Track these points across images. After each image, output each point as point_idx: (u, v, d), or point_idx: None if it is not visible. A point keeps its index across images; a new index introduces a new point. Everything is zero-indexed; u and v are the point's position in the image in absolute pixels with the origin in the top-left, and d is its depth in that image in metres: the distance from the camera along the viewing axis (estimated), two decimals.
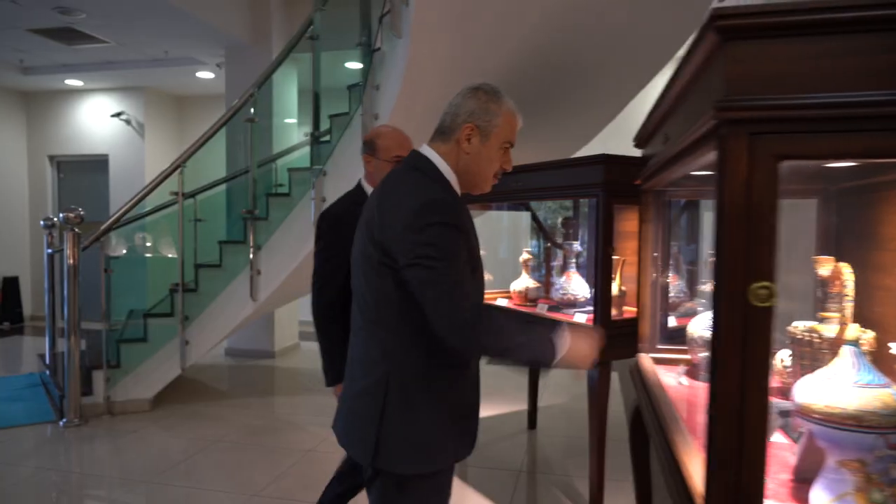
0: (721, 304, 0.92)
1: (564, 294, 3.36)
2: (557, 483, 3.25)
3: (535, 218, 4.21)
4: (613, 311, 2.79)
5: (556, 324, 1.41)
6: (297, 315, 6.57)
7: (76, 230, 4.04)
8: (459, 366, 1.47)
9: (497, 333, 1.35)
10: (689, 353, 2.03)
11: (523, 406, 4.25)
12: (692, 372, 2.03)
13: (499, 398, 4.66)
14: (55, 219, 5.24)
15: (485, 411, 3.92)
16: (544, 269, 3.87)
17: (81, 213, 4.07)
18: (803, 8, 0.85)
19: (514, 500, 3.03)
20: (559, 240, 3.76)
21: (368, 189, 2.15)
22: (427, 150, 1.51)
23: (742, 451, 0.91)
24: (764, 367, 0.91)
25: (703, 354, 1.94)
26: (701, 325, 1.95)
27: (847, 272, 1.37)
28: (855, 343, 1.07)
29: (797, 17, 0.86)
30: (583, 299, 3.22)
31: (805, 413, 1.05)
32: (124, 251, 4.93)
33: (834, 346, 1.39)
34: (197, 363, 5.40)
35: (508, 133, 1.50)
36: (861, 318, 1.78)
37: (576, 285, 3.31)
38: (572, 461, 3.52)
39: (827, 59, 0.86)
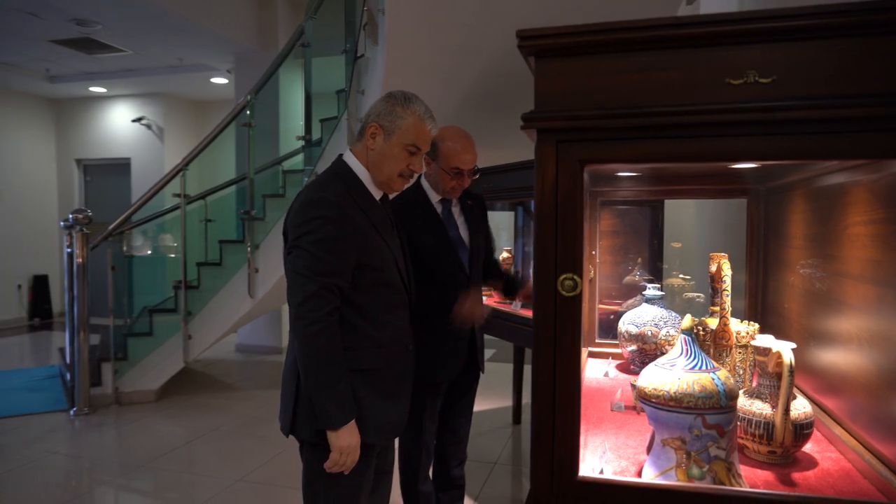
0: (537, 295, 1.02)
1: None
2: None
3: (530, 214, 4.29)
4: None
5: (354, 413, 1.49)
6: None
7: (85, 230, 4.29)
8: (367, 346, 1.56)
9: (324, 345, 1.43)
10: (619, 347, 2.11)
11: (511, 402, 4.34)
12: (623, 365, 2.11)
13: (487, 394, 4.74)
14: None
15: None
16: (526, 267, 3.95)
17: (89, 214, 4.32)
18: (598, 28, 0.95)
19: (483, 491, 3.13)
20: None
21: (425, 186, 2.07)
22: (347, 155, 1.67)
23: (555, 426, 1.01)
24: (574, 350, 1.01)
25: (630, 348, 2.02)
26: (628, 320, 2.03)
27: (726, 268, 1.44)
28: (689, 332, 1.16)
29: (593, 36, 0.96)
30: None
31: (641, 396, 1.14)
32: (149, 252, 5.19)
33: (715, 338, 1.47)
34: (206, 357, 5.63)
35: (413, 136, 1.58)
36: (774, 312, 1.85)
37: None
38: None
39: (623, 75, 0.96)
